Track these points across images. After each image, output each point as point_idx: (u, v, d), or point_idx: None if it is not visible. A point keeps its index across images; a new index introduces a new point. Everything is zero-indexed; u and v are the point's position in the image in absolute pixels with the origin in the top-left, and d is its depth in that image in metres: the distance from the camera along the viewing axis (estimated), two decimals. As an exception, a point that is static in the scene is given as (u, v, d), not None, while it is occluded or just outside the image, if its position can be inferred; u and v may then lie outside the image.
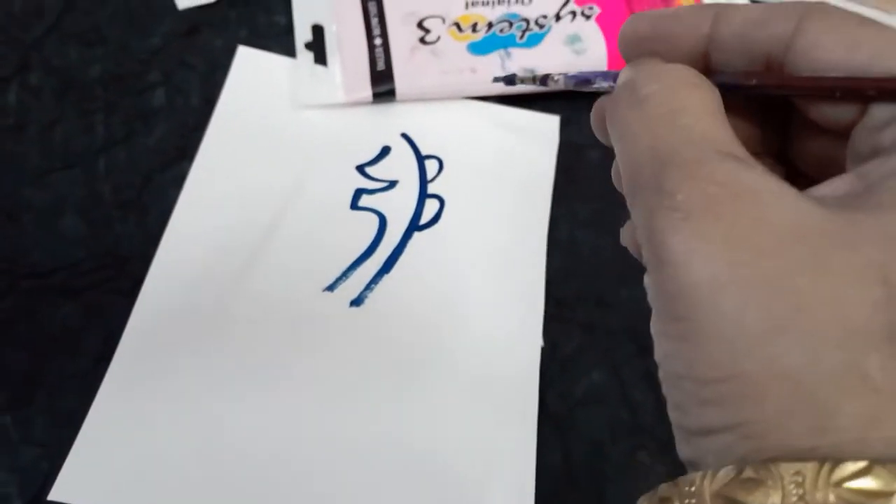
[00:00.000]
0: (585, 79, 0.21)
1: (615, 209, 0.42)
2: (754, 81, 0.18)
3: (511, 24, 0.42)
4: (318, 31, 0.42)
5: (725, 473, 0.14)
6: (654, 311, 0.17)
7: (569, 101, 0.42)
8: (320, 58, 0.41)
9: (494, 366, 0.35)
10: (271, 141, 0.39)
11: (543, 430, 0.34)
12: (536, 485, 0.33)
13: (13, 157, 0.38)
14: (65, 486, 0.30)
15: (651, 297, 0.17)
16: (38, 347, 0.34)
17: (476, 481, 0.32)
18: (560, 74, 0.22)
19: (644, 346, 0.36)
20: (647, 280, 0.17)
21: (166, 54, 0.41)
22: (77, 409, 0.32)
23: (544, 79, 0.23)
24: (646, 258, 0.17)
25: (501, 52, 0.42)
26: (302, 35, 0.42)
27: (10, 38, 0.41)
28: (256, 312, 0.35)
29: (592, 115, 0.22)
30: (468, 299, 0.36)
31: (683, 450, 0.17)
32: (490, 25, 0.42)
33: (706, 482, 0.15)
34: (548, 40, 0.42)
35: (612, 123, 0.19)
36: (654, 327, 0.17)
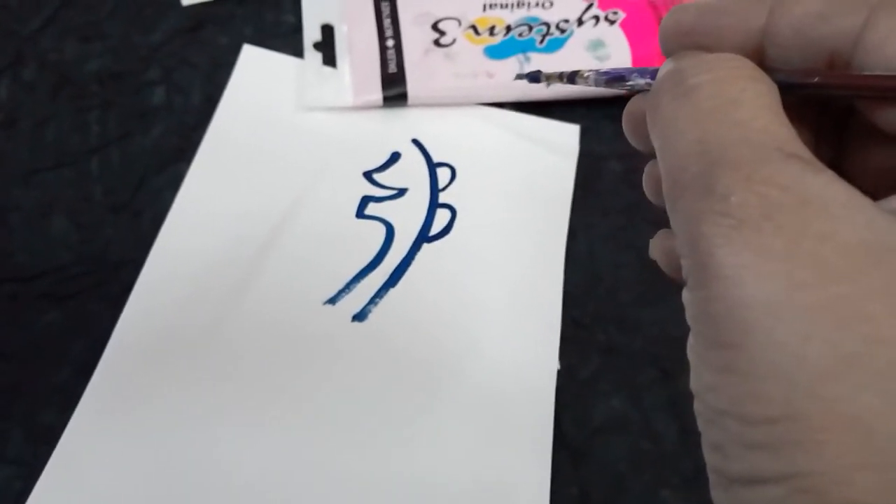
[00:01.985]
0: (619, 75, 0.19)
1: (637, 223, 0.39)
2: (817, 79, 0.16)
3: (531, 28, 0.40)
4: (327, 30, 0.40)
5: None
6: (693, 333, 0.15)
7: (588, 109, 0.40)
8: (329, 59, 0.39)
9: (507, 389, 0.32)
10: (275, 144, 0.37)
11: (558, 460, 0.31)
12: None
13: (2, 154, 0.36)
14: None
15: (691, 317, 0.15)
16: (19, 356, 0.32)
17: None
18: (590, 71, 0.20)
19: (667, 371, 0.34)
20: (686, 296, 0.15)
21: (168, 51, 0.39)
22: (56, 424, 0.30)
23: (572, 76, 0.21)
24: (687, 271, 0.15)
25: (520, 56, 0.39)
26: (311, 35, 0.40)
27: (5, 30, 0.39)
28: (251, 325, 0.33)
29: (625, 115, 0.20)
30: (479, 317, 0.34)
31: (720, 498, 0.14)
32: (509, 29, 0.40)
33: None
34: (569, 45, 0.40)
35: (653, 119, 0.17)
36: (693, 352, 0.15)
